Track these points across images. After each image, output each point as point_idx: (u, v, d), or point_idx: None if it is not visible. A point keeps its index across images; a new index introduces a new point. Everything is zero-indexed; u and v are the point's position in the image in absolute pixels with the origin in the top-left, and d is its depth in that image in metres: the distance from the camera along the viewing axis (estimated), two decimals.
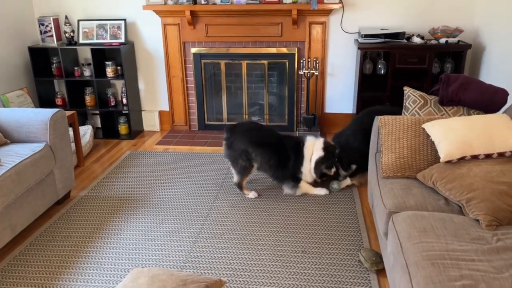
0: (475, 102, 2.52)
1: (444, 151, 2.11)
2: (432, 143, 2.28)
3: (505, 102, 2.47)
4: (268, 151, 3.03)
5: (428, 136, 2.30)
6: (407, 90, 2.68)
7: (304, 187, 3.13)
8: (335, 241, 2.53)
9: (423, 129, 2.33)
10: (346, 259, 2.37)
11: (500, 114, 2.23)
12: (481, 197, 1.89)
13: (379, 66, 3.86)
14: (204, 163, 3.72)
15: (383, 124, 2.39)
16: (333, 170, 3.10)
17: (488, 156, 2.07)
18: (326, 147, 3.04)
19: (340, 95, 4.33)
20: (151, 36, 4.34)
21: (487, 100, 2.51)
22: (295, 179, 3.10)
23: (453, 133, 2.14)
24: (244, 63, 4.32)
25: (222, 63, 4.34)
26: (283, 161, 3.05)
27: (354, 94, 4.08)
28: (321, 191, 3.16)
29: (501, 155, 2.06)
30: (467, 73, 3.90)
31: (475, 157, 2.07)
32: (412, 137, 2.33)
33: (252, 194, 3.11)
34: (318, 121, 4.34)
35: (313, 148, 3.04)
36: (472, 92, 2.53)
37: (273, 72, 4.38)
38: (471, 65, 3.91)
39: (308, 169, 3.06)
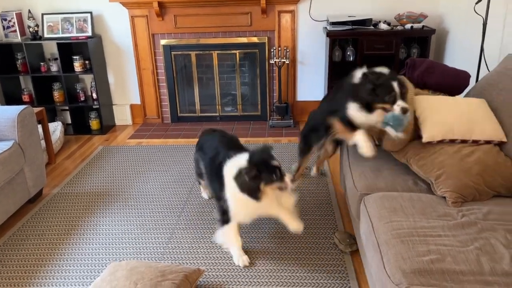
0: (440, 85, 2.61)
1: (427, 132, 2.13)
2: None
3: (467, 84, 2.56)
4: (208, 165, 2.39)
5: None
6: None
7: (227, 233, 2.27)
8: (311, 226, 2.59)
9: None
10: (322, 243, 2.43)
11: (479, 99, 2.28)
12: (449, 174, 1.97)
13: (348, 53, 3.93)
14: (179, 155, 3.71)
15: None
16: (279, 182, 2.06)
17: (463, 142, 2.13)
18: (254, 158, 2.07)
19: (312, 83, 4.38)
20: (119, 28, 4.27)
21: (451, 83, 2.59)
22: (222, 213, 2.25)
23: (438, 115, 2.18)
24: (215, 54, 4.31)
25: (193, 54, 4.32)
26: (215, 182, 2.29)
27: (325, 82, 4.14)
28: (239, 260, 2.26)
29: (475, 142, 2.11)
30: (432, 58, 4.01)
31: (452, 141, 2.14)
32: None
33: (204, 194, 2.97)
34: (290, 110, 4.38)
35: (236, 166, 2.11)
36: (437, 75, 2.61)
37: (245, 61, 4.38)
38: (436, 50, 4.02)
39: (236, 200, 2.13)
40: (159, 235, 2.57)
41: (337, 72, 4.01)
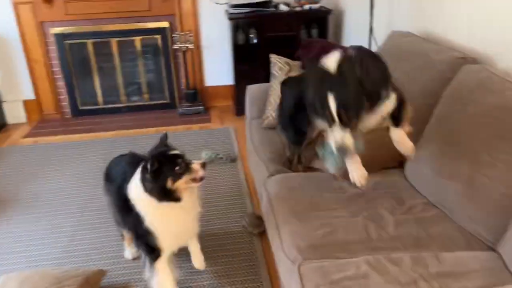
0: None
1: None
2: None
3: None
4: (116, 196, 1.89)
5: None
6: (273, 58, 2.77)
7: (160, 276, 1.83)
8: (222, 210, 2.58)
9: None
10: (233, 227, 2.43)
11: None
12: None
13: (251, 35, 3.93)
14: (81, 152, 3.48)
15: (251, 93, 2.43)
16: (187, 173, 1.70)
17: None
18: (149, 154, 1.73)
19: (219, 67, 4.34)
20: None
21: None
22: (149, 250, 1.81)
23: None
24: (114, 41, 4.08)
25: (89, 42, 4.05)
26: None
27: (232, 66, 4.12)
28: None
29: None
30: (331, 38, 4.15)
31: None
32: None
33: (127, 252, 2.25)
34: (200, 96, 4.31)
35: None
36: None
37: (147, 48, 4.21)
38: (334, 30, 4.17)
39: (156, 216, 1.74)
40: (58, 239, 2.39)
41: (241, 55, 3.99)
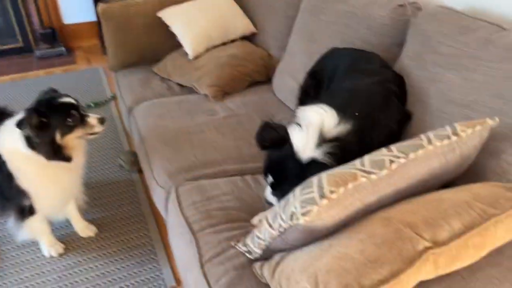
0: None
1: (190, 49, 2.10)
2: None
3: None
4: None
5: (165, 25, 2.21)
6: None
7: (33, 224, 1.64)
8: (96, 154, 2.40)
9: (160, 17, 2.22)
10: (109, 167, 2.29)
11: None
12: (207, 72, 2.00)
13: None
14: None
15: (106, 16, 2.19)
16: (81, 127, 1.50)
17: (224, 44, 2.18)
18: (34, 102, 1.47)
19: (76, 2, 3.87)
20: None
21: None
22: (20, 211, 1.60)
23: (194, 25, 2.13)
24: None
25: None
26: None
27: None
28: None
29: (233, 41, 2.20)
30: None
31: (215, 47, 2.15)
32: (145, 27, 2.23)
33: None
34: (59, 36, 3.84)
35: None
36: None
37: None
38: None
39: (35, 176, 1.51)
40: None
41: None
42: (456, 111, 1.15)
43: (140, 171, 2.26)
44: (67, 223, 1.88)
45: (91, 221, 1.92)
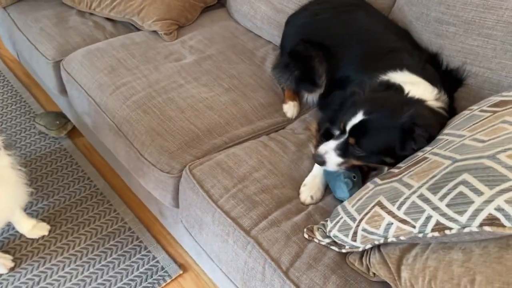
0: None
1: None
2: None
3: None
4: None
5: None
6: None
7: None
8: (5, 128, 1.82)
9: None
10: (25, 137, 1.76)
11: None
12: (151, 2, 1.55)
13: None
14: None
15: None
16: None
17: None
18: None
19: None
20: None
21: None
22: None
23: None
24: None
25: None
26: None
27: None
28: None
29: None
30: None
31: None
32: None
33: None
34: None
35: None
36: None
37: None
38: None
39: None
40: None
41: None
42: None
43: (72, 133, 1.80)
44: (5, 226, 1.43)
45: (33, 215, 1.49)
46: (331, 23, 1.28)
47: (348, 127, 0.94)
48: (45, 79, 1.59)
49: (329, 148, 0.97)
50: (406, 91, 0.95)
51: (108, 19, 1.62)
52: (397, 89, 0.97)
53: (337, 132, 1.00)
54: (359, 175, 1.02)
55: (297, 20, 1.38)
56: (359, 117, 0.92)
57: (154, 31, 1.54)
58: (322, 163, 0.99)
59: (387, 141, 0.91)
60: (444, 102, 0.99)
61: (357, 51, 1.19)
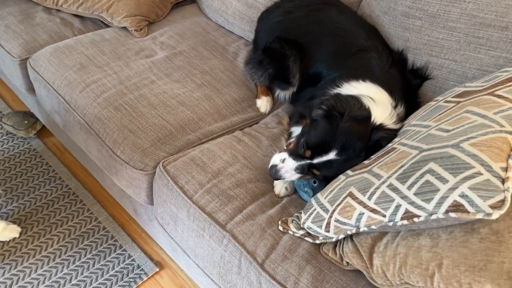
0: None
1: None
2: None
3: None
4: None
5: None
6: None
7: None
8: None
9: None
10: None
11: None
12: None
13: None
14: None
15: None
16: None
17: None
18: None
19: None
20: None
21: None
22: None
23: None
24: None
25: None
26: None
27: None
28: None
29: None
30: None
31: None
32: None
33: None
34: None
35: None
36: None
37: None
38: None
39: None
40: None
41: None
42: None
43: (41, 133, 1.76)
44: None
45: (3, 217, 1.45)
46: (305, 21, 1.29)
47: (315, 161, 0.93)
48: (12, 78, 1.54)
49: (289, 168, 0.96)
50: (372, 118, 0.94)
51: (76, 15, 1.58)
52: (366, 118, 0.94)
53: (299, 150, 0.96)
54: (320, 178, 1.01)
55: (271, 17, 1.38)
56: (330, 155, 0.92)
57: (124, 28, 1.52)
58: (277, 178, 0.99)
59: (351, 166, 0.93)
60: (399, 117, 0.99)
61: (329, 48, 1.21)
